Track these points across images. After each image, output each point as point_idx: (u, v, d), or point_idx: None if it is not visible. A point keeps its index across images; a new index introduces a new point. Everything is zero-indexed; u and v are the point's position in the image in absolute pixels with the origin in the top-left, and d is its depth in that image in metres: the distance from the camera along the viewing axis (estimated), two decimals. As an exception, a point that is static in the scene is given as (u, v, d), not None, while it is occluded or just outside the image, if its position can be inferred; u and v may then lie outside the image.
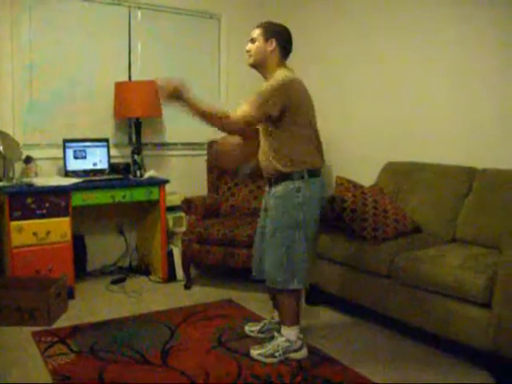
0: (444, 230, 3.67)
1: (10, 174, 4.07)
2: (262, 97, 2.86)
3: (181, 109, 2.87)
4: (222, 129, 2.93)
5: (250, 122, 2.89)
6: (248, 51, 3.05)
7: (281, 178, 3.01)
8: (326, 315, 3.85)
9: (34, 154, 4.31)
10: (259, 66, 3.06)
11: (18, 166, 4.21)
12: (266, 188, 3.21)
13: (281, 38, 3.03)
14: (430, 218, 3.76)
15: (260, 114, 2.86)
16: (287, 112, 2.89)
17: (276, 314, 3.36)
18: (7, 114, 4.31)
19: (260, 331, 3.40)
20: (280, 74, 2.94)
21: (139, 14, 4.91)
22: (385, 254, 3.40)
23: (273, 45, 3.00)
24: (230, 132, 3.02)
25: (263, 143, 3.10)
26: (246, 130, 3.03)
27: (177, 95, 2.80)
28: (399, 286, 3.28)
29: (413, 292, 3.20)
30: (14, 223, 3.81)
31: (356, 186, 4.02)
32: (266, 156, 3.07)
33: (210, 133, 4.98)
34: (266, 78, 3.06)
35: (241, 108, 2.90)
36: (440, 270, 3.05)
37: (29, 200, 3.86)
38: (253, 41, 3.04)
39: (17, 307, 3.54)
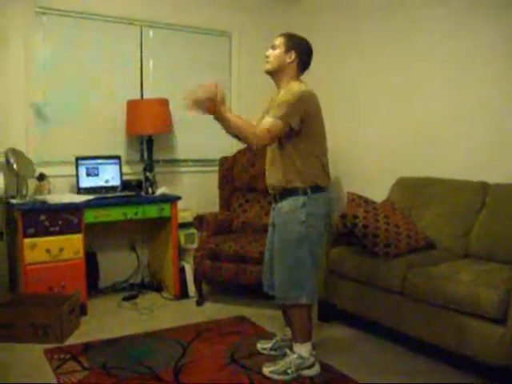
0: (457, 245, 3.65)
1: (24, 192, 4.10)
2: (283, 107, 2.85)
3: (209, 117, 2.81)
4: (252, 140, 2.83)
5: (274, 132, 2.84)
6: (267, 57, 3.05)
7: (286, 193, 3.02)
8: (338, 331, 3.83)
9: (46, 171, 4.35)
10: (275, 73, 3.05)
11: (32, 184, 4.24)
12: (273, 204, 3.21)
13: (301, 52, 3.03)
14: (443, 233, 3.74)
15: (283, 124, 2.84)
16: (302, 124, 2.90)
17: (288, 330, 3.34)
18: (21, 131, 4.36)
19: (272, 348, 3.39)
20: (295, 86, 2.94)
21: (151, 32, 4.96)
22: (397, 270, 3.39)
23: (292, 56, 3.01)
24: (258, 146, 2.88)
25: (270, 158, 3.11)
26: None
27: (213, 106, 2.73)
28: (412, 302, 3.26)
29: (426, 308, 3.17)
30: (27, 240, 3.84)
31: (367, 201, 4.02)
32: (272, 171, 3.09)
33: (220, 149, 5.07)
34: (279, 87, 3.07)
35: (265, 120, 2.88)
36: (454, 286, 3.03)
37: (42, 217, 3.89)
38: (274, 48, 3.04)
39: (30, 324, 3.54)
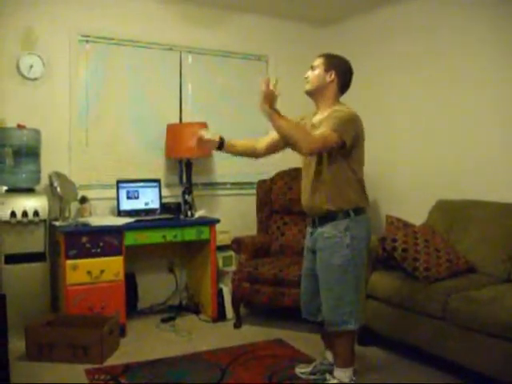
0: (499, 269, 3.58)
1: (66, 214, 4.20)
2: (339, 123, 2.82)
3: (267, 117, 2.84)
4: (303, 143, 2.76)
5: (328, 141, 2.78)
6: (306, 77, 3.06)
7: (327, 218, 2.99)
8: (377, 356, 3.77)
9: (88, 194, 4.45)
10: (315, 94, 3.05)
11: (74, 206, 4.35)
12: (309, 229, 3.18)
13: (341, 71, 3.02)
14: (484, 257, 3.68)
15: (337, 137, 2.79)
16: (353, 147, 2.89)
17: (328, 354, 3.31)
18: (64, 155, 4.48)
19: (312, 373, 3.35)
20: (347, 109, 2.94)
21: (190, 57, 5.06)
22: (438, 295, 3.34)
23: (332, 76, 3.00)
24: (307, 150, 2.83)
25: (309, 181, 3.06)
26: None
27: (272, 100, 2.77)
28: (454, 327, 3.20)
29: (469, 334, 3.11)
30: (69, 262, 3.91)
31: (406, 224, 3.99)
32: (312, 195, 3.04)
33: (258, 172, 5.10)
34: (318, 108, 3.06)
35: (321, 130, 2.84)
36: (500, 312, 2.97)
37: (84, 239, 3.96)
38: (313, 68, 3.05)
39: (70, 344, 3.59)
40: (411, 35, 4.63)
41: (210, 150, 3.17)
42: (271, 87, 2.72)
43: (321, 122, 2.94)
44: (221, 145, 3.18)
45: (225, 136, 3.22)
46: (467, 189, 4.12)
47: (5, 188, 4.11)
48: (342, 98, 3.12)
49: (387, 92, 4.90)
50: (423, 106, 4.54)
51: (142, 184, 4.65)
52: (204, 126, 4.68)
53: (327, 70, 3.01)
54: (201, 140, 3.17)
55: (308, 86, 3.06)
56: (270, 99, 2.75)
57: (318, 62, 3.05)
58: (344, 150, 2.87)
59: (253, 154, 3.36)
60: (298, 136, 2.78)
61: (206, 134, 3.18)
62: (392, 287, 3.65)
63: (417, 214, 4.24)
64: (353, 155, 2.93)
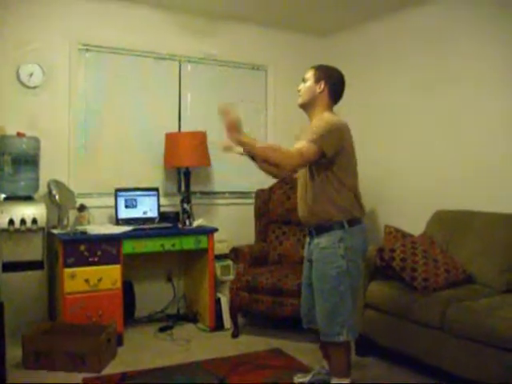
0: (498, 280, 3.57)
1: (65, 222, 4.20)
2: (317, 133, 2.82)
3: (237, 143, 2.87)
4: (283, 162, 2.82)
5: (305, 155, 2.79)
6: (298, 91, 3.09)
7: (322, 228, 2.99)
8: (375, 366, 3.77)
9: (87, 202, 4.46)
10: (307, 106, 3.07)
11: (72, 214, 4.34)
12: (308, 238, 3.19)
13: (331, 82, 3.03)
14: (483, 267, 3.68)
15: (315, 148, 2.79)
16: (337, 156, 2.89)
17: (326, 363, 3.31)
18: (63, 163, 4.49)
19: (310, 382, 3.35)
20: (329, 117, 2.95)
21: (189, 66, 5.08)
22: (436, 305, 3.34)
23: (322, 87, 3.01)
24: (290, 167, 2.88)
25: (303, 192, 3.08)
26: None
27: (236, 127, 2.81)
28: (452, 337, 3.20)
29: (467, 344, 3.11)
30: (67, 270, 3.91)
31: (405, 234, 4.00)
32: (306, 206, 3.05)
33: (257, 182, 5.10)
34: (311, 120, 3.06)
35: (299, 143, 2.86)
36: (498, 323, 2.97)
37: (82, 247, 3.96)
38: (304, 81, 3.07)
39: (68, 352, 3.58)
40: (412, 46, 4.65)
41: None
42: (231, 114, 2.78)
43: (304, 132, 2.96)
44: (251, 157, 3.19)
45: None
46: (466, 199, 4.12)
47: (3, 196, 4.11)
48: (340, 108, 3.13)
49: (387, 102, 4.92)
50: (422, 116, 4.56)
51: (140, 193, 4.65)
52: (203, 135, 4.70)
53: (317, 80, 3.02)
54: (229, 149, 3.15)
55: (300, 100, 3.09)
56: (235, 126, 2.80)
57: (309, 74, 3.08)
58: (326, 159, 2.87)
59: (277, 176, 3.51)
60: (276, 156, 2.82)
61: (236, 149, 3.15)
62: (390, 297, 3.65)
63: (415, 224, 4.25)
64: (338, 164, 2.91)
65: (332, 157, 2.87)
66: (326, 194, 2.95)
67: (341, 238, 2.94)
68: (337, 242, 2.94)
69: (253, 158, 3.19)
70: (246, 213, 5.13)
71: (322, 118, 2.94)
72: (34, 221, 3.97)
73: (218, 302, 4.62)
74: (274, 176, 3.49)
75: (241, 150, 3.09)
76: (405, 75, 4.73)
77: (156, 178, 4.92)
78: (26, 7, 4.33)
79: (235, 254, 4.58)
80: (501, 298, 3.36)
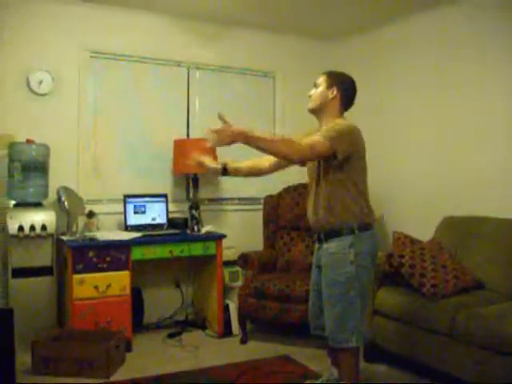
0: (507, 286, 3.56)
1: (74, 228, 4.22)
2: (332, 131, 2.80)
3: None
4: (290, 153, 2.75)
5: (316, 149, 2.76)
6: (310, 96, 3.07)
7: (332, 234, 2.96)
8: (384, 373, 3.75)
9: (96, 208, 4.46)
10: (318, 111, 3.04)
11: (81, 220, 4.36)
12: (316, 244, 3.17)
13: (344, 88, 3.01)
14: (492, 273, 3.66)
15: (328, 145, 2.76)
16: (349, 159, 2.87)
17: (334, 370, 3.29)
18: (72, 170, 4.52)
19: (319, 389, 3.34)
20: (342, 121, 2.94)
21: (197, 73, 5.10)
22: (445, 311, 3.32)
23: (334, 93, 2.99)
24: (297, 159, 2.85)
25: (313, 196, 3.05)
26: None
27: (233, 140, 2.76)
28: (461, 344, 3.18)
29: (477, 351, 3.09)
30: (76, 276, 3.92)
31: (414, 240, 3.98)
32: (316, 210, 3.03)
33: (265, 188, 5.10)
34: (321, 125, 3.02)
35: (311, 137, 2.83)
36: (508, 329, 2.95)
37: (91, 254, 3.97)
38: (316, 86, 3.05)
39: (76, 359, 3.59)
40: (419, 52, 4.65)
41: (212, 174, 3.24)
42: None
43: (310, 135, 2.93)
44: (224, 171, 3.25)
45: (233, 152, 3.26)
46: (475, 205, 4.11)
47: (13, 202, 4.13)
48: (349, 113, 3.12)
49: (394, 108, 4.92)
50: (430, 123, 4.56)
51: (149, 199, 4.66)
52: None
53: (329, 86, 3.00)
54: (202, 165, 3.29)
55: (311, 104, 3.06)
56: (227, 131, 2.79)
57: (321, 79, 3.06)
58: (337, 161, 2.84)
59: (258, 173, 3.42)
60: (283, 148, 2.74)
61: (210, 164, 3.27)
62: (399, 303, 3.64)
63: (424, 230, 4.23)
64: (351, 167, 2.90)
65: (342, 159, 2.84)
66: (338, 198, 2.93)
67: (351, 243, 2.91)
68: (347, 247, 2.91)
69: (224, 173, 3.28)
70: (254, 219, 5.13)
71: (336, 122, 2.92)
72: (44, 227, 4.00)
73: (226, 308, 4.61)
74: (253, 176, 3.57)
75: (217, 166, 3.22)
76: (413, 82, 4.72)
77: (165, 184, 4.93)
78: (36, 18, 4.38)
79: (244, 260, 4.58)
80: (510, 304, 3.33)
